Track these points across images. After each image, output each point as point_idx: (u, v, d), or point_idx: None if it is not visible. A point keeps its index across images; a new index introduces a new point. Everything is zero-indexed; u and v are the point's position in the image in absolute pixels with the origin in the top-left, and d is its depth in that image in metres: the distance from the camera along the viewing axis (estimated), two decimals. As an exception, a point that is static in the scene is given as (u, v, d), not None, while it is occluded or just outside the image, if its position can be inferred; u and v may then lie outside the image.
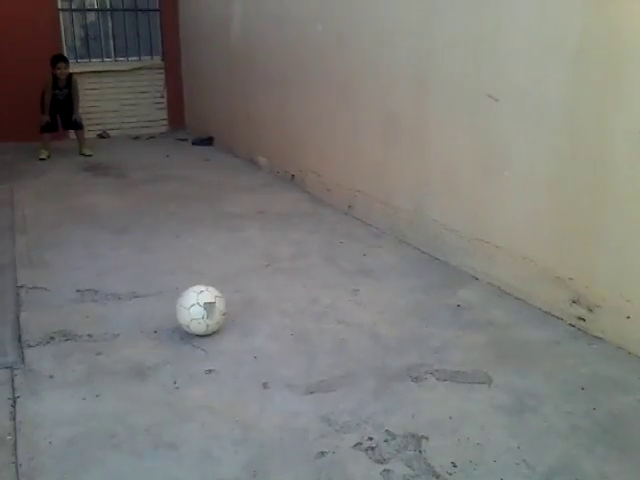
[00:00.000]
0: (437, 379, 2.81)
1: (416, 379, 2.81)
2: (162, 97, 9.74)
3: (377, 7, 4.60)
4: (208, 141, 8.48)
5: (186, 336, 3.19)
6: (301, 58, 5.86)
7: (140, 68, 9.52)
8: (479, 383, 2.78)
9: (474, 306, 3.53)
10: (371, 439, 2.39)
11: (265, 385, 2.76)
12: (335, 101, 5.33)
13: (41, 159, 7.73)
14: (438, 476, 2.20)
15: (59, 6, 8.96)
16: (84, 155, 7.93)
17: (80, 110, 8.11)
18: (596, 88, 3.03)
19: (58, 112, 7.93)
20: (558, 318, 3.34)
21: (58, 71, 7.78)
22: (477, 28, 3.69)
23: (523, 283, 3.56)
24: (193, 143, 8.58)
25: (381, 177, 4.81)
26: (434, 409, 2.59)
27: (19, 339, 3.15)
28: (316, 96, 5.66)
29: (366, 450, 2.33)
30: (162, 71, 9.67)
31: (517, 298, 3.58)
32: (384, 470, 2.23)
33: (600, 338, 3.13)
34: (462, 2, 3.80)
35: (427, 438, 2.40)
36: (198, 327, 3.15)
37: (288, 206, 5.55)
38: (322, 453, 2.32)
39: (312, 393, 2.71)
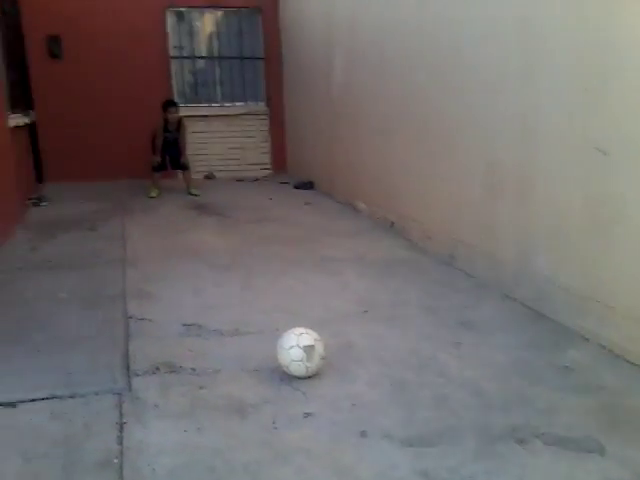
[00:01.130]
0: (544, 443, 2.67)
1: (521, 441, 2.69)
2: (266, 142, 10.09)
3: (481, 56, 4.59)
4: (309, 185, 8.67)
5: (286, 377, 3.21)
6: (402, 106, 5.92)
7: (245, 113, 9.95)
8: (590, 452, 2.62)
9: (584, 368, 3.36)
10: (473, 500, 2.30)
11: (363, 433, 2.73)
12: (436, 149, 5.34)
13: (151, 197, 8.15)
14: None
15: (171, 54, 9.54)
16: (191, 194, 8.29)
17: (188, 152, 8.52)
18: None
19: (168, 153, 8.37)
20: (677, 388, 3.12)
21: (169, 115, 8.23)
22: (584, 77, 3.61)
23: (638, 347, 3.36)
24: (295, 187, 8.80)
25: (484, 227, 4.73)
26: (540, 476, 2.46)
27: (127, 368, 3.28)
28: (417, 144, 5.69)
29: (468, 511, 2.24)
30: (266, 117, 10.05)
31: (631, 363, 3.38)
32: (487, 534, 2.13)
33: None
34: (568, 51, 3.74)
35: (533, 505, 2.28)
36: (297, 369, 3.17)
37: (387, 253, 5.54)
38: (422, 509, 2.25)
39: (411, 446, 2.64)
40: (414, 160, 5.77)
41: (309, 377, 3.20)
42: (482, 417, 2.88)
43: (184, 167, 8.51)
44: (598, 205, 3.59)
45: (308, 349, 3.16)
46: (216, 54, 9.83)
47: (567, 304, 3.86)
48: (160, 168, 8.39)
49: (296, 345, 3.17)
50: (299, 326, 3.32)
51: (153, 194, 8.23)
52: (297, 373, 3.18)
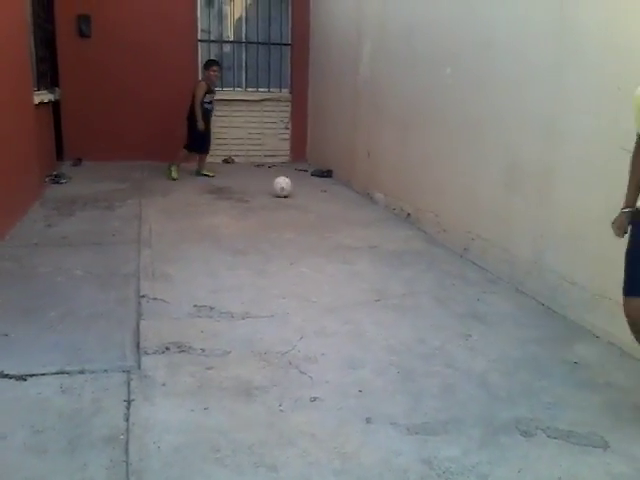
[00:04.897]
0: (548, 436, 2.67)
1: (525, 433, 2.69)
2: (287, 129, 10.09)
3: (510, 53, 4.55)
4: (327, 173, 8.67)
5: (294, 360, 3.23)
6: (426, 100, 5.89)
7: (269, 99, 9.93)
8: (593, 447, 2.62)
9: (592, 365, 3.35)
10: (474, 490, 2.31)
11: (368, 420, 2.74)
12: (457, 143, 5.31)
13: (173, 179, 8.08)
14: (544, 539, 2.08)
15: (199, 37, 9.54)
16: (204, 175, 8.23)
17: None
18: None
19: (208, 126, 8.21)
20: (686, 389, 3.10)
21: (213, 73, 8.11)
22: (613, 77, 3.56)
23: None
24: (312, 174, 8.79)
25: (500, 223, 4.71)
26: (543, 467, 2.47)
27: (138, 346, 3.32)
28: (438, 137, 5.66)
29: (468, 500, 2.25)
30: (289, 104, 10.04)
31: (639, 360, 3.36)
32: (486, 524, 2.14)
33: None
34: (597, 50, 3.69)
35: (534, 497, 2.28)
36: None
37: (402, 243, 5.54)
38: (422, 496, 2.26)
39: (416, 434, 2.65)
40: (434, 153, 5.74)
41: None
42: (487, 408, 2.88)
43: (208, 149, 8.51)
44: (618, 206, 3.54)
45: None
46: (244, 39, 9.82)
47: (579, 301, 3.84)
48: (200, 147, 8.27)
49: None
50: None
51: (175, 175, 8.14)
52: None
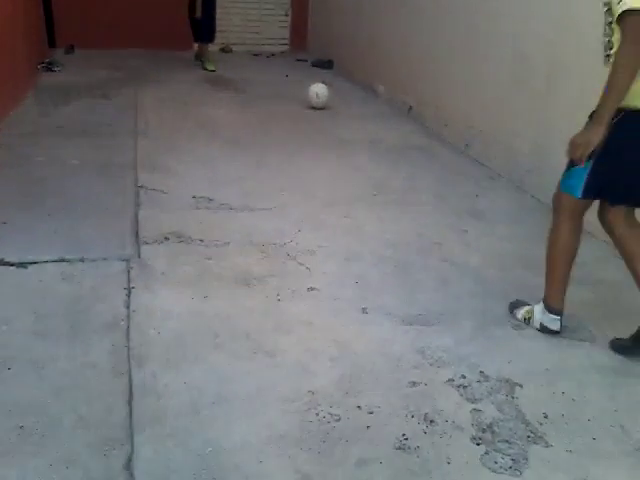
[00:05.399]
0: (538, 330, 2.74)
1: (517, 327, 2.76)
2: (287, 15, 9.69)
3: None
4: (328, 64, 8.40)
5: (292, 252, 3.26)
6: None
7: (269, -17, 9.46)
8: (581, 340, 2.70)
9: (586, 263, 3.36)
10: (464, 377, 2.39)
11: (364, 310, 2.80)
12: (462, 33, 5.11)
13: (211, 70, 7.81)
14: (528, 424, 2.18)
15: None
16: (206, 69, 7.94)
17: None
18: None
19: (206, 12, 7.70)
20: (678, 286, 3.14)
21: None
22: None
23: None
24: (313, 65, 8.53)
25: (503, 118, 4.61)
26: (532, 359, 2.55)
27: (137, 236, 3.34)
28: (442, 26, 5.45)
29: (458, 387, 2.34)
30: (290, -12, 9.58)
31: (635, 260, 3.39)
32: (474, 409, 2.23)
33: None
34: None
35: (521, 386, 2.37)
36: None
37: (403, 138, 5.46)
38: (414, 383, 2.34)
39: (410, 324, 2.72)
40: (437, 44, 5.54)
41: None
42: (481, 302, 2.94)
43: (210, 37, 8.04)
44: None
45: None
46: None
47: (579, 198, 3.81)
48: (200, 35, 7.86)
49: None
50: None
51: (211, 67, 7.84)
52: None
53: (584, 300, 3.02)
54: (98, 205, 3.70)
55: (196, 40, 8.08)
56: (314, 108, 6.20)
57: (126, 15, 8.67)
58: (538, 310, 2.73)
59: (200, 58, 8.11)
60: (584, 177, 2.50)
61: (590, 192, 2.54)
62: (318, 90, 6.27)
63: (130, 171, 4.26)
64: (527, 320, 2.76)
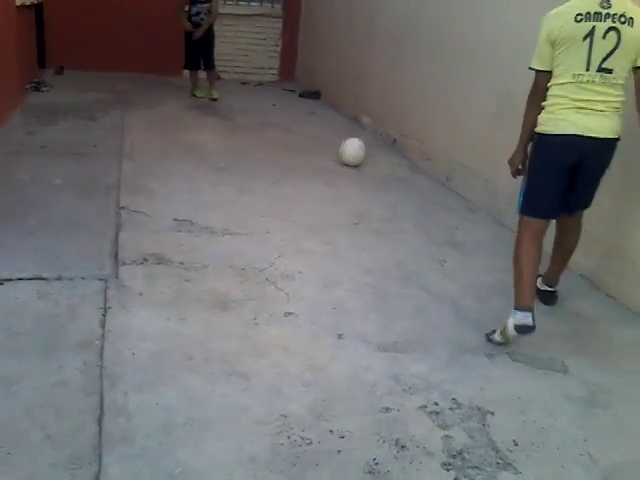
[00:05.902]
0: (512, 359, 2.77)
1: (490, 356, 2.78)
2: (276, 46, 9.81)
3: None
4: (315, 95, 8.51)
5: (271, 277, 3.28)
6: (421, 17, 5.74)
7: (260, 14, 9.60)
8: (554, 371, 2.73)
9: (562, 296, 3.42)
10: (437, 404, 2.40)
11: (340, 336, 2.81)
12: (447, 70, 5.21)
13: (199, 97, 7.77)
14: (498, 451, 2.19)
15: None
16: (211, 99, 7.72)
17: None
18: None
19: (196, 46, 7.54)
20: (649, 321, 3.20)
21: None
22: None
23: (617, 280, 3.42)
24: (300, 95, 8.63)
25: (485, 153, 4.69)
26: (504, 387, 2.57)
27: (116, 256, 3.34)
28: (428, 62, 5.55)
29: (430, 414, 2.35)
30: (280, 20, 9.72)
31: (608, 295, 3.45)
32: (445, 435, 2.24)
33: (692, 348, 2.98)
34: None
35: (492, 413, 2.39)
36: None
37: (386, 169, 5.52)
38: (387, 409, 2.35)
39: (385, 351, 2.73)
40: (423, 79, 5.64)
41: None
42: (457, 331, 2.97)
43: (209, 64, 7.76)
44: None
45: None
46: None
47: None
48: (191, 62, 7.66)
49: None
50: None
51: (199, 94, 7.79)
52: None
53: (558, 332, 3.07)
54: (79, 225, 3.70)
55: (189, 67, 7.93)
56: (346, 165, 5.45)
57: (117, 39, 8.75)
58: (510, 319, 2.78)
59: (193, 90, 7.96)
60: (520, 197, 2.99)
61: (524, 209, 2.96)
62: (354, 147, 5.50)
63: (113, 192, 4.27)
64: (503, 333, 2.81)
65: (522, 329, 2.74)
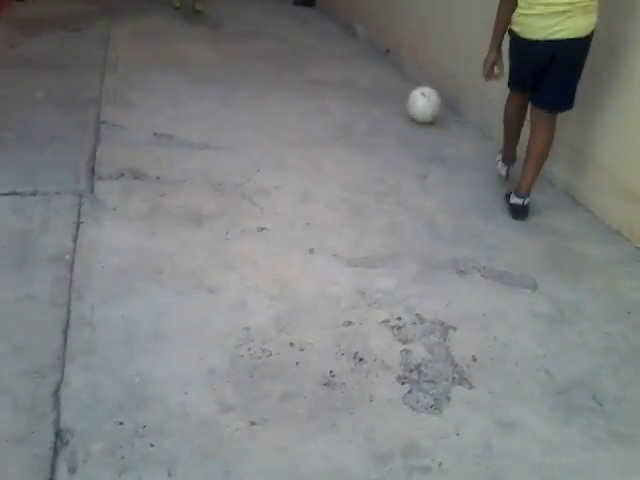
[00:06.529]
0: (482, 276, 2.79)
1: (461, 272, 2.80)
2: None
3: None
4: (310, 2, 8.19)
5: (247, 192, 3.27)
6: None
7: None
8: (523, 287, 2.74)
9: (541, 211, 3.40)
10: (399, 319, 2.44)
11: (311, 251, 2.83)
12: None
13: (176, 8, 7.25)
14: (455, 366, 2.24)
15: None
16: (195, 10, 7.18)
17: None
18: None
19: None
20: (626, 239, 3.18)
21: None
22: None
23: (598, 196, 3.38)
24: (294, 3, 8.30)
25: (476, 64, 4.52)
26: (470, 303, 2.59)
27: (92, 171, 3.32)
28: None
29: (392, 328, 2.39)
30: None
31: (588, 210, 3.42)
32: (404, 350, 2.29)
33: (665, 265, 2.98)
34: None
35: (455, 329, 2.42)
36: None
37: (376, 80, 5.37)
38: (349, 322, 2.39)
39: (355, 266, 2.75)
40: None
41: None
42: (429, 247, 2.97)
43: None
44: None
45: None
46: None
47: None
48: None
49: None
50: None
51: (177, 4, 7.23)
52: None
53: (534, 248, 3.06)
54: (57, 139, 3.65)
55: None
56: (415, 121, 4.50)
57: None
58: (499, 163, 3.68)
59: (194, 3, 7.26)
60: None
61: (509, 83, 3.32)
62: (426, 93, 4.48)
63: (94, 106, 4.19)
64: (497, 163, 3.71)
65: (498, 175, 3.67)
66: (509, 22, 3.05)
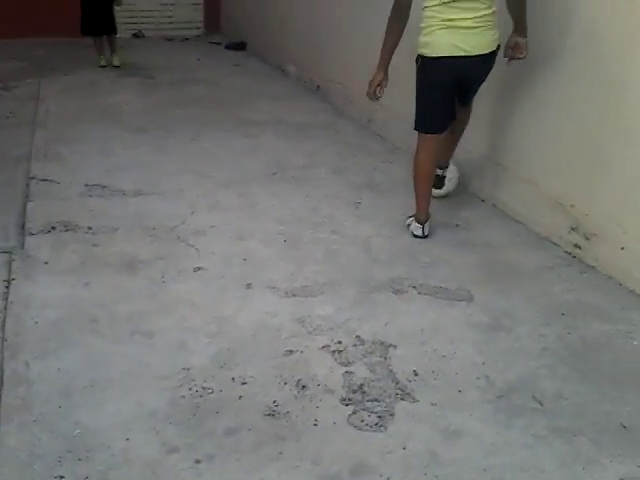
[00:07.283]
0: (418, 293, 2.84)
1: (397, 291, 2.84)
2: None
3: None
4: (241, 46, 8.34)
5: (182, 234, 3.27)
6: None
7: (177, -34, 9.28)
8: (459, 300, 2.80)
9: (473, 226, 3.50)
10: (340, 343, 2.46)
11: (249, 286, 2.83)
12: (366, 15, 5.13)
13: (101, 66, 7.12)
14: (397, 382, 2.26)
15: None
16: (113, 66, 7.12)
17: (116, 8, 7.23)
18: None
19: (93, 7, 6.83)
20: (555, 244, 3.29)
21: None
22: None
23: (525, 207, 3.50)
24: (226, 47, 8.45)
25: (404, 93, 4.66)
26: (408, 320, 2.63)
27: (22, 227, 3.27)
28: (346, 7, 5.46)
29: (333, 352, 2.40)
30: (201, -30, 9.42)
31: (518, 222, 3.53)
32: (346, 372, 2.30)
33: (593, 267, 3.08)
34: None
35: (395, 346, 2.45)
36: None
37: (308, 116, 5.48)
38: (290, 351, 2.40)
39: (293, 296, 2.77)
40: (340, 22, 5.56)
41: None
42: (366, 271, 3.01)
43: (110, 29, 7.06)
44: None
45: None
46: None
47: (469, 168, 3.93)
48: (90, 30, 6.88)
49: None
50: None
51: (102, 63, 7.09)
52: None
53: (468, 262, 3.14)
54: (-15, 198, 3.60)
55: (87, 34, 7.10)
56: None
57: (29, 4, 8.37)
58: (412, 225, 3.34)
59: (98, 58, 7.19)
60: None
61: (419, 126, 3.24)
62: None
63: (23, 163, 4.15)
64: (408, 226, 3.37)
65: (414, 236, 3.30)
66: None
